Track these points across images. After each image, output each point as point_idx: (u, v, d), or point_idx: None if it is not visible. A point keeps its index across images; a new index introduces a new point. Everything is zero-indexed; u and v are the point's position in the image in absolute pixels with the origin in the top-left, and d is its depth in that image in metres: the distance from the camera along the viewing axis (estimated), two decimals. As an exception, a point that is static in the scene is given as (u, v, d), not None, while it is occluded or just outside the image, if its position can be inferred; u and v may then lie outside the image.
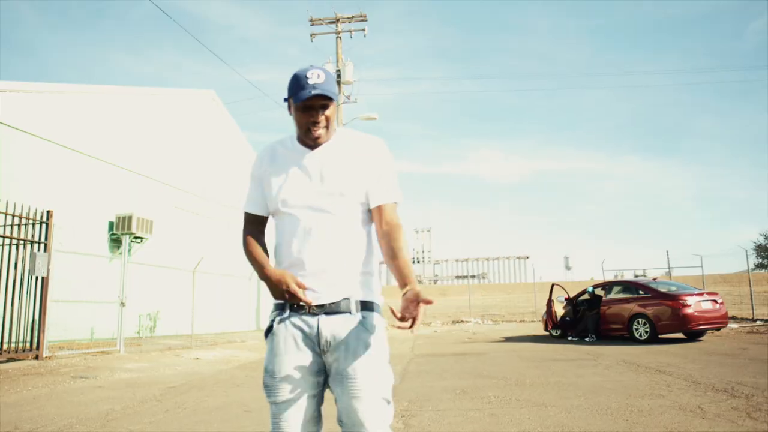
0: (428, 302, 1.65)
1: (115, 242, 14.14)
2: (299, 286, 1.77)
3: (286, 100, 1.96)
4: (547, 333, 14.55)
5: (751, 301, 18.07)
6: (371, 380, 1.76)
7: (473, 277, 66.19)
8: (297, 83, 1.88)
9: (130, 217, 13.94)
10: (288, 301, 1.80)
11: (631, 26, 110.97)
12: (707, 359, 8.45)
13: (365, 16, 22.72)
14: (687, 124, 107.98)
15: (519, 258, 70.94)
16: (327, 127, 1.92)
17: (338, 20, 22.70)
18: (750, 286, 18.26)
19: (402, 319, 1.66)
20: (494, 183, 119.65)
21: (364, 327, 1.81)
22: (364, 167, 1.93)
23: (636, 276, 44.55)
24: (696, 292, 11.99)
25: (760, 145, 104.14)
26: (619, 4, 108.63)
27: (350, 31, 22.69)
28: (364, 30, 22.66)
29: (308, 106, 1.88)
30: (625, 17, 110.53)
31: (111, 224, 14.14)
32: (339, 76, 21.96)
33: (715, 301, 11.86)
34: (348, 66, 22.14)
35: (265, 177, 1.96)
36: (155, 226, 14.87)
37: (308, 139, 1.92)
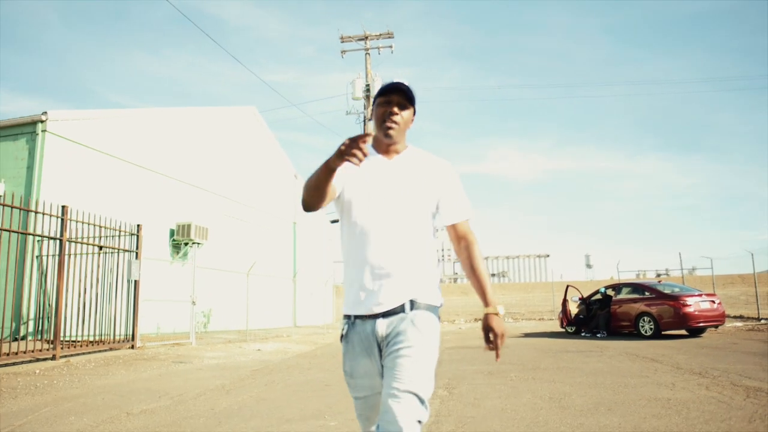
0: (498, 336, 2.01)
1: (175, 247, 15.97)
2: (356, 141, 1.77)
3: (374, 101, 2.15)
4: (563, 330, 16.06)
5: (757, 301, 19.32)
6: (416, 361, 1.94)
7: (493, 275, 67.24)
8: (382, 86, 2.09)
9: (189, 225, 15.73)
10: (348, 151, 1.76)
11: (650, 22, 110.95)
12: (697, 351, 9.91)
13: (392, 34, 24.28)
14: (708, 120, 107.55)
15: (539, 256, 72.01)
16: (400, 127, 2.08)
17: (367, 38, 24.31)
18: (756, 286, 19.51)
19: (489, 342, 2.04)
20: (513, 182, 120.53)
21: (413, 323, 1.96)
22: (435, 182, 2.11)
23: (658, 275, 45.81)
24: (696, 293, 13.41)
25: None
26: (638, 1, 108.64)
27: (378, 48, 24.32)
28: (391, 47, 24.23)
29: (387, 101, 2.07)
30: (644, 13, 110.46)
31: (172, 231, 15.96)
32: (368, 90, 23.60)
33: (713, 302, 13.27)
34: (377, 80, 23.71)
35: (341, 175, 2.01)
36: (210, 233, 16.69)
37: (382, 133, 2.07)
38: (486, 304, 2.03)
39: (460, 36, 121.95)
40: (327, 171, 1.85)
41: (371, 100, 23.55)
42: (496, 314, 2.01)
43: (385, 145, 2.11)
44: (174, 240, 15.97)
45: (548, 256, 73.12)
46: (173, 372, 8.14)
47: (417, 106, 2.15)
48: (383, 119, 2.04)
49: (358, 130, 23.74)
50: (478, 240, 2.13)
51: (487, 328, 2.02)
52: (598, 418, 4.69)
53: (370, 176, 2.06)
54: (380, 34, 24.31)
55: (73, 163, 12.12)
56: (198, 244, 16.44)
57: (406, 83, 2.06)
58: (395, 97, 2.06)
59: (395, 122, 2.04)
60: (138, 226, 11.04)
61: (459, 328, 20.19)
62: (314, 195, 1.93)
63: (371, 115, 2.70)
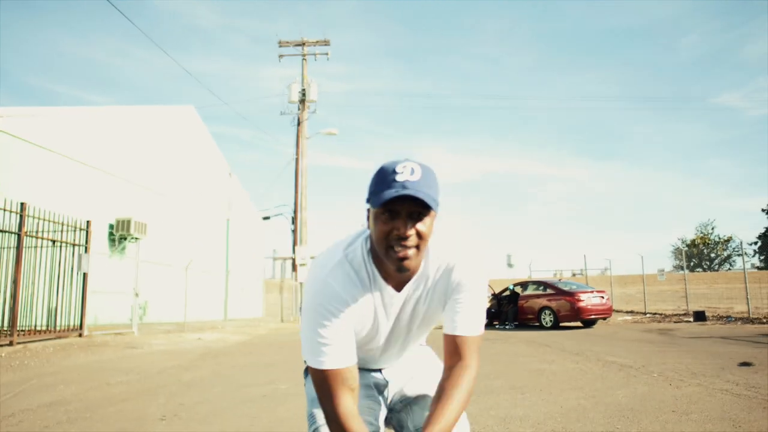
0: None
1: (113, 242, 16.48)
2: None
3: (368, 201, 1.46)
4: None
5: (644, 298, 21.95)
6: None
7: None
8: (380, 179, 1.41)
9: (129, 221, 16.30)
10: None
11: (578, 34, 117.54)
12: (583, 339, 11.77)
13: (328, 41, 25.40)
14: (626, 131, 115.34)
15: (463, 256, 75.02)
16: (419, 247, 1.42)
17: (304, 44, 25.32)
18: (644, 285, 22.15)
19: None
20: (442, 182, 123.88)
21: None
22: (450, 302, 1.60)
23: (574, 274, 49.42)
24: (588, 290, 15.49)
25: (690, 153, 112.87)
26: (568, 13, 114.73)
27: (315, 54, 25.38)
28: (327, 54, 25.36)
29: (394, 212, 1.40)
30: (573, 25, 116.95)
31: (111, 226, 16.46)
32: (304, 94, 24.63)
33: (602, 297, 15.38)
34: (313, 86, 24.78)
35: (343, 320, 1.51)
36: (148, 229, 17.28)
37: (389, 260, 1.42)
38: None
39: (395, 36, 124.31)
40: None
41: (306, 104, 24.76)
42: None
43: (395, 274, 1.52)
44: (112, 234, 16.48)
45: (471, 255, 76.14)
46: (129, 355, 9.05)
47: (440, 200, 1.45)
48: (388, 245, 1.40)
49: (292, 132, 24.70)
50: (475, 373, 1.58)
51: None
52: (488, 382, 6.16)
53: (375, 316, 1.58)
54: (317, 41, 25.36)
55: (10, 158, 12.56)
56: (137, 239, 17.01)
57: (418, 172, 1.42)
58: (405, 207, 1.41)
59: (411, 247, 1.42)
60: (88, 222, 11.73)
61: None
62: None
63: (367, 213, 1.50)
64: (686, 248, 66.39)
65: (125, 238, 16.68)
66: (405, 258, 1.41)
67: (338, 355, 1.49)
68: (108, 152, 16.32)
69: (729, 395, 4.88)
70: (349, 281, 1.52)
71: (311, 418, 1.68)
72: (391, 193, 1.37)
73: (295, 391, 5.63)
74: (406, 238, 1.40)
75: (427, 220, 1.43)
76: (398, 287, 1.56)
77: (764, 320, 14.86)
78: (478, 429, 3.88)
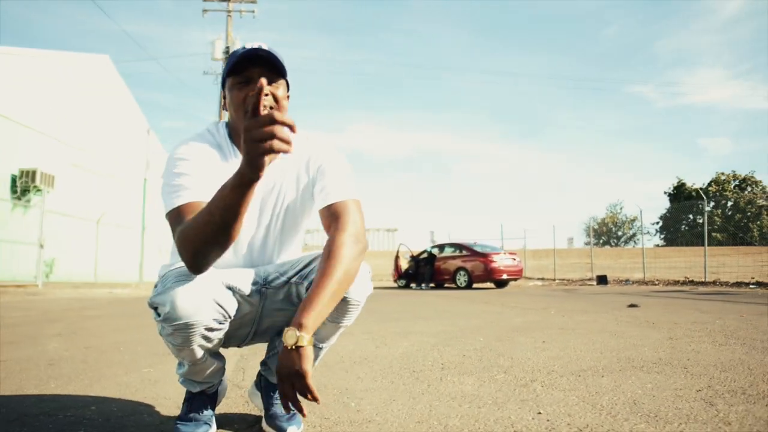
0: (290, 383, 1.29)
1: (16, 193, 15.52)
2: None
3: (222, 87, 1.53)
4: (396, 284, 18.26)
5: (554, 267, 23.19)
6: None
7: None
8: (233, 55, 1.48)
9: (34, 172, 15.38)
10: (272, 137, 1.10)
11: (509, 18, 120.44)
12: (493, 294, 12.36)
13: (255, 0, 24.74)
14: (550, 114, 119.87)
15: (388, 230, 75.85)
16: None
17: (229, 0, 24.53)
18: (554, 254, 23.40)
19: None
20: (367, 157, 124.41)
21: None
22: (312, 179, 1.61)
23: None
24: (501, 252, 16.18)
25: (606, 138, 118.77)
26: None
27: (240, 12, 24.61)
28: (253, 12, 24.67)
29: (246, 79, 1.45)
30: (504, 7, 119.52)
31: (13, 177, 15.47)
32: (227, 52, 23.91)
33: (514, 259, 16.11)
34: (237, 43, 24.10)
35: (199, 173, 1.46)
36: (57, 181, 16.38)
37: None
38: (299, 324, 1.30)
39: (326, 7, 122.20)
40: (242, 192, 1.19)
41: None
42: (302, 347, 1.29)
43: None
44: (14, 186, 15.51)
45: (396, 230, 77.16)
46: (30, 300, 8.67)
47: (289, 77, 1.54)
48: (246, 108, 1.20)
49: (215, 91, 23.93)
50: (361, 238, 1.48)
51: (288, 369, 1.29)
52: (392, 315, 6.40)
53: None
54: (243, -1, 24.60)
55: None
56: (41, 190, 16.09)
57: (265, 46, 1.47)
58: (257, 71, 1.45)
59: (267, 109, 1.42)
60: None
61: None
62: (222, 237, 1.28)
63: (224, 101, 1.57)
64: (596, 226, 70.40)
65: (28, 190, 15.75)
66: None
67: (195, 190, 1.42)
68: (13, 98, 15.25)
69: (612, 321, 5.34)
70: (210, 146, 1.55)
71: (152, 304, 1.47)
72: (242, 53, 1.45)
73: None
74: (260, 101, 1.25)
75: (279, 85, 1.50)
76: None
77: (656, 282, 16.13)
78: (380, 338, 4.07)
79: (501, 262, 15.60)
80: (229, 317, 1.49)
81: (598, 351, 3.30)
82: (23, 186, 15.25)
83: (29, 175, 15.34)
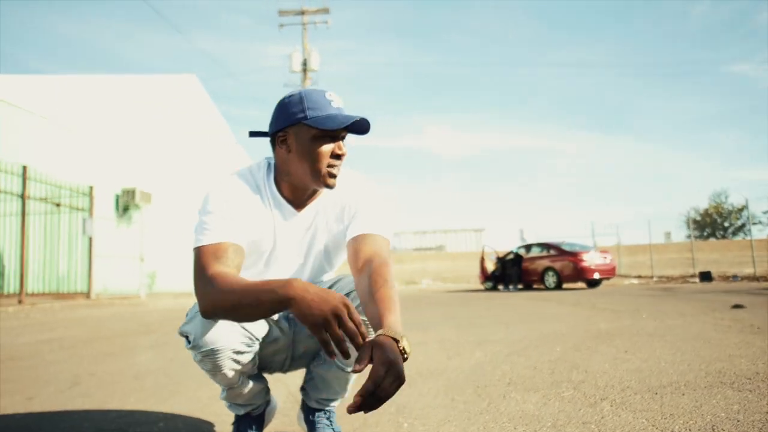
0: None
1: (120, 211, 16.74)
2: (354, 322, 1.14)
3: (277, 130, 1.50)
4: (483, 287, 17.96)
5: (651, 263, 21.92)
6: None
7: (430, 249, 69.48)
8: (314, 104, 1.45)
9: (134, 191, 16.53)
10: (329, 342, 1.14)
11: (575, 4, 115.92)
12: (584, 295, 11.85)
13: (328, 9, 25.24)
14: (634, 103, 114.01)
15: (475, 231, 74.95)
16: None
17: (304, 13, 25.18)
18: (651, 253, 22.12)
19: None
20: (447, 157, 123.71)
21: None
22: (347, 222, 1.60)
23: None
24: (591, 250, 15.48)
25: (699, 126, 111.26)
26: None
27: (315, 23, 25.25)
28: (327, 22, 25.24)
29: (333, 136, 1.47)
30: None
31: (117, 196, 16.70)
32: (305, 64, 24.60)
33: (605, 257, 15.38)
34: (313, 54, 24.74)
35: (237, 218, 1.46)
36: (154, 198, 17.50)
37: (321, 179, 1.47)
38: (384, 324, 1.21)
39: (396, 11, 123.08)
40: (272, 310, 1.20)
41: (308, 74, 24.68)
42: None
43: (302, 193, 1.56)
44: (119, 204, 16.73)
45: (483, 230, 76.09)
46: (132, 311, 9.28)
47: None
48: (329, 163, 1.46)
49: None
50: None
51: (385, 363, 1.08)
52: (474, 319, 6.27)
53: (275, 239, 1.56)
54: (317, 10, 25.21)
55: (21, 128, 12.73)
56: (140, 207, 17.25)
57: (341, 103, 1.50)
58: (345, 133, 1.49)
59: (341, 165, 1.51)
60: (90, 187, 11.91)
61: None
62: (237, 320, 1.34)
63: (275, 144, 1.53)
64: (699, 217, 65.82)
65: (129, 208, 16.92)
66: (335, 176, 1.48)
67: (221, 230, 1.41)
68: (113, 122, 16.48)
69: (710, 325, 4.94)
70: (249, 188, 1.53)
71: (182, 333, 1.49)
72: (343, 118, 1.43)
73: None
74: (342, 156, 1.48)
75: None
76: (298, 208, 1.57)
77: (769, 277, 14.82)
78: (454, 347, 3.99)
79: (591, 260, 14.94)
80: (257, 339, 1.51)
81: (685, 363, 3.04)
82: (124, 204, 16.41)
83: (130, 194, 16.49)
